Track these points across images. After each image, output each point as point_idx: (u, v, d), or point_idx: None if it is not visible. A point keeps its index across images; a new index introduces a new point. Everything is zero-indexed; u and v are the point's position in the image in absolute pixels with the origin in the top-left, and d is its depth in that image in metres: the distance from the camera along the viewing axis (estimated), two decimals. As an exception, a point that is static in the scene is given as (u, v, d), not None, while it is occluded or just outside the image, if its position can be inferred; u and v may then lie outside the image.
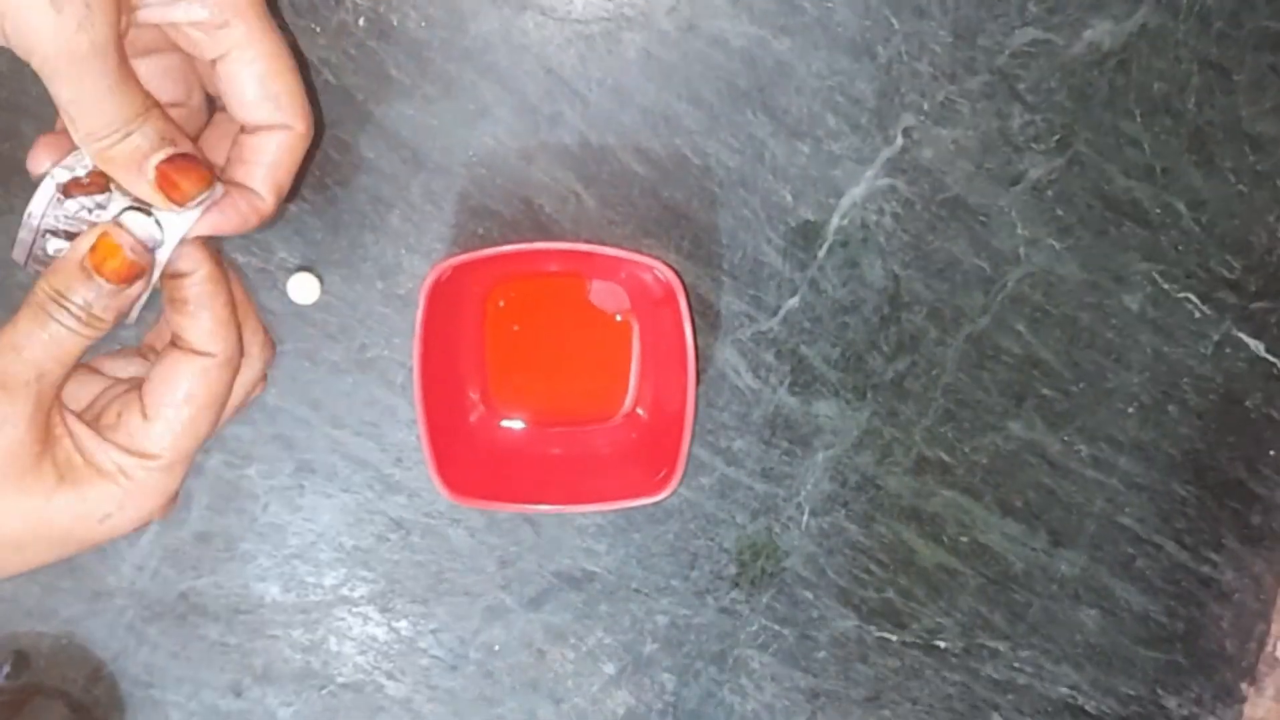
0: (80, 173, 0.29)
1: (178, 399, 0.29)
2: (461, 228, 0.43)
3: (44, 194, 0.29)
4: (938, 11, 0.43)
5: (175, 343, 0.31)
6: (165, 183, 0.28)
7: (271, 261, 0.42)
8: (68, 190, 0.29)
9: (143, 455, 0.29)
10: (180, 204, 0.28)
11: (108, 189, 0.29)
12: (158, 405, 0.29)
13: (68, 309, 0.28)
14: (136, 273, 0.28)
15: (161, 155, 0.28)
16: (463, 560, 0.46)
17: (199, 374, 0.30)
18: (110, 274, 0.28)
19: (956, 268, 0.45)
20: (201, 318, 0.30)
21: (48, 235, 0.29)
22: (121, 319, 0.30)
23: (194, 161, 0.28)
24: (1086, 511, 0.48)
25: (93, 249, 0.28)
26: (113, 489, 0.29)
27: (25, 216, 0.29)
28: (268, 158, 0.31)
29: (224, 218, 0.30)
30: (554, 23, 0.41)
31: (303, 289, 0.42)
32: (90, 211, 0.29)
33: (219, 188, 0.29)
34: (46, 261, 0.29)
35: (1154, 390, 0.47)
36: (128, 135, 0.27)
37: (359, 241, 0.43)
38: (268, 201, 0.31)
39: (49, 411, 0.28)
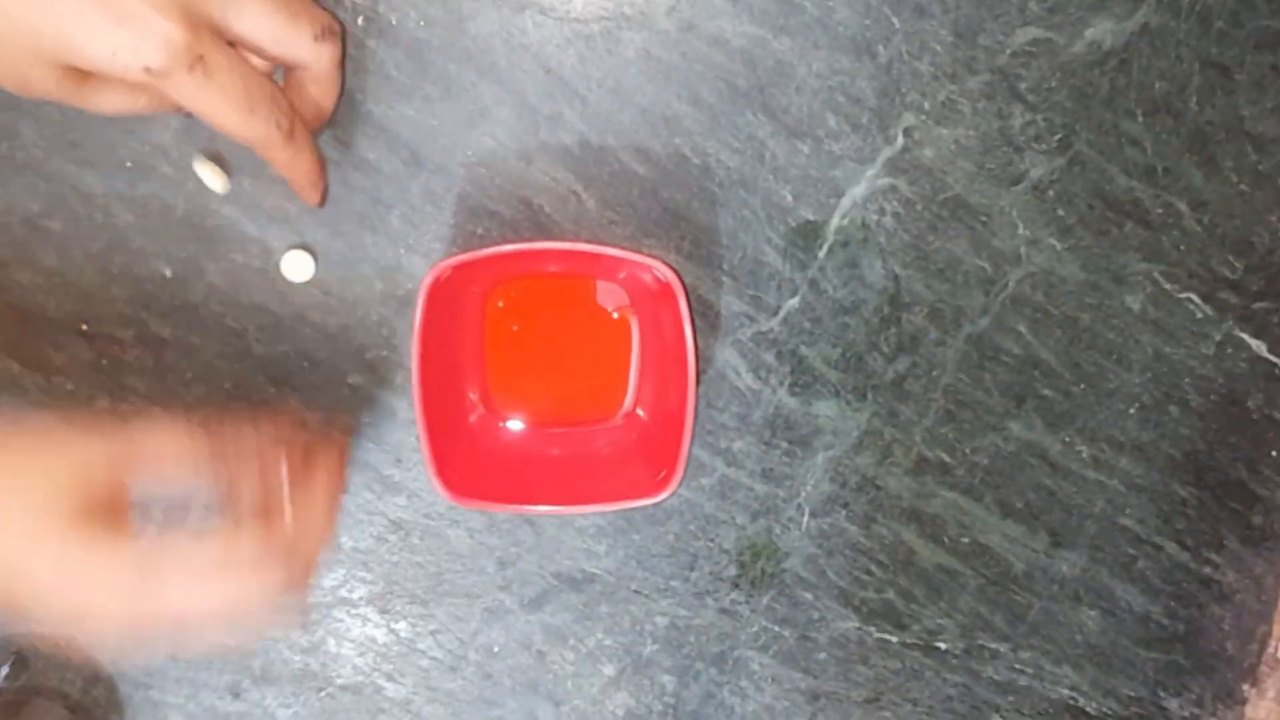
0: None
1: None
2: (461, 228, 0.43)
3: None
4: (938, 10, 0.42)
5: None
6: None
7: (270, 262, 0.42)
8: None
9: None
10: None
11: None
12: None
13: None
14: None
15: None
16: (462, 561, 0.46)
17: None
18: None
19: (957, 268, 0.45)
20: None
21: None
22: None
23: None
24: (1087, 512, 0.48)
25: None
26: None
27: None
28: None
29: None
30: (553, 22, 0.41)
31: (297, 267, 0.42)
32: None
33: None
34: None
35: (1155, 391, 0.47)
36: None
37: (358, 242, 0.42)
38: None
39: None
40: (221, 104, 0.33)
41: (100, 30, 0.31)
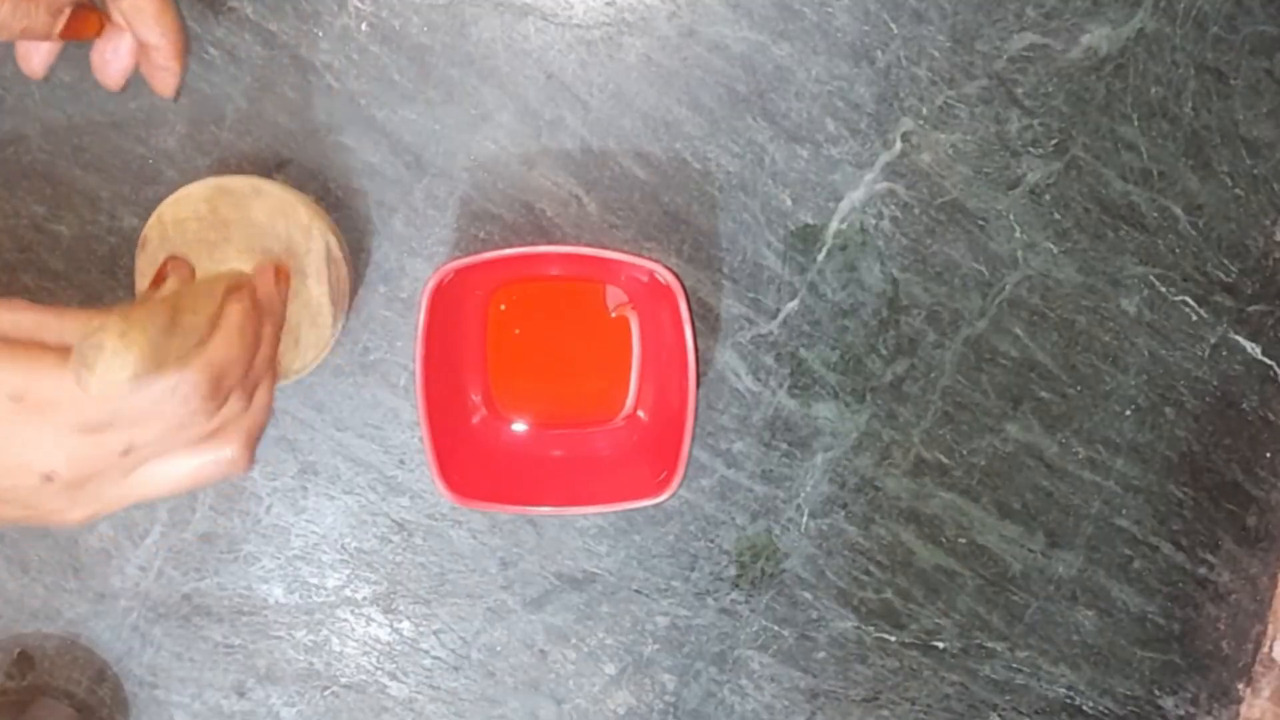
0: None
1: None
2: (463, 232, 0.43)
3: None
4: (936, 17, 0.43)
5: None
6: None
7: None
8: None
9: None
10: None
11: None
12: None
13: None
14: None
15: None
16: (465, 561, 0.46)
17: None
18: None
19: (955, 271, 0.45)
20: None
21: None
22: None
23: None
24: (1083, 513, 0.48)
25: None
26: None
27: None
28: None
29: None
30: (555, 28, 0.42)
31: None
32: None
33: None
34: None
35: (1150, 393, 0.47)
36: None
37: (361, 245, 0.43)
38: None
39: None
40: None
41: None
